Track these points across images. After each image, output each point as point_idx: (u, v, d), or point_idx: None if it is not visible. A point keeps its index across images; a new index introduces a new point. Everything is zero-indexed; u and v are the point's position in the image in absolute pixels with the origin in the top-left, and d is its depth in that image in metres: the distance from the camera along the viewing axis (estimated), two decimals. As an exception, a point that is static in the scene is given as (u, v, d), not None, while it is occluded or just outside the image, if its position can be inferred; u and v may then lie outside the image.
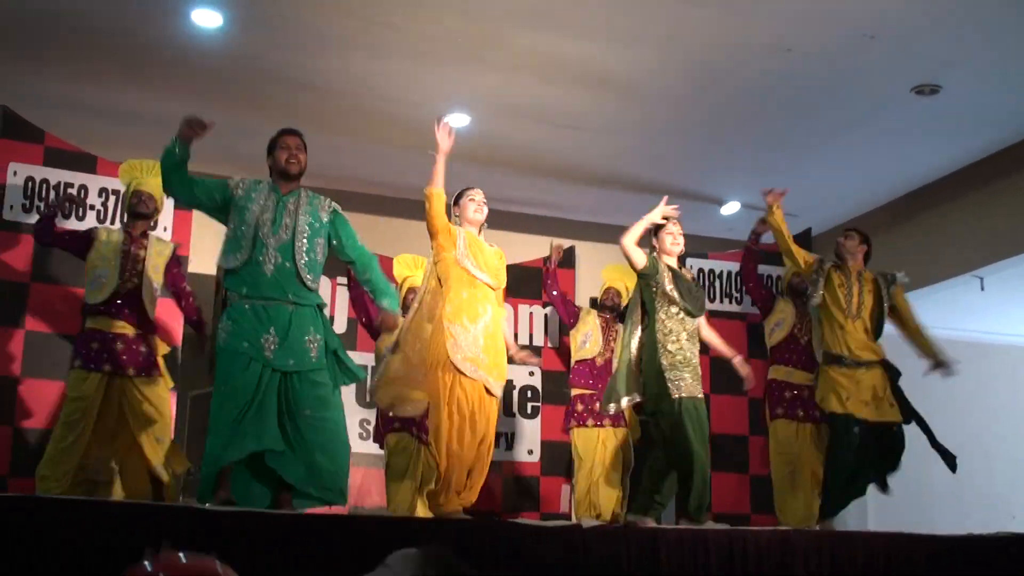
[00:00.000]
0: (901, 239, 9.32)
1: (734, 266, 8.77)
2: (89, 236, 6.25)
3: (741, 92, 7.42)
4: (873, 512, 9.97)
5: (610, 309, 7.66)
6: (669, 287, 6.02)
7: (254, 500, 4.88)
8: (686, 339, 6.00)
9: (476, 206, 5.83)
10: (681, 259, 6.31)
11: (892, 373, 6.47)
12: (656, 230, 6.24)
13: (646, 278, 6.08)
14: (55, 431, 5.90)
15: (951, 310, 10.27)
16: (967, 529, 6.56)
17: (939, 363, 6.56)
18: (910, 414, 6.41)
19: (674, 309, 6.03)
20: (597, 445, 7.32)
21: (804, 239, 8.99)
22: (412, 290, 7.26)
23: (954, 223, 8.75)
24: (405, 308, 7.25)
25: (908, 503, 10.13)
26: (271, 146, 5.31)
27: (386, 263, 8.28)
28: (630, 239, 5.98)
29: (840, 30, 6.52)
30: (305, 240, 5.09)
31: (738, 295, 8.74)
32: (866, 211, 9.72)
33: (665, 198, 6.10)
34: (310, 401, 4.91)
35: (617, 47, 6.82)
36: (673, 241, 6.23)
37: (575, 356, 7.62)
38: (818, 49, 6.76)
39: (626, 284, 7.52)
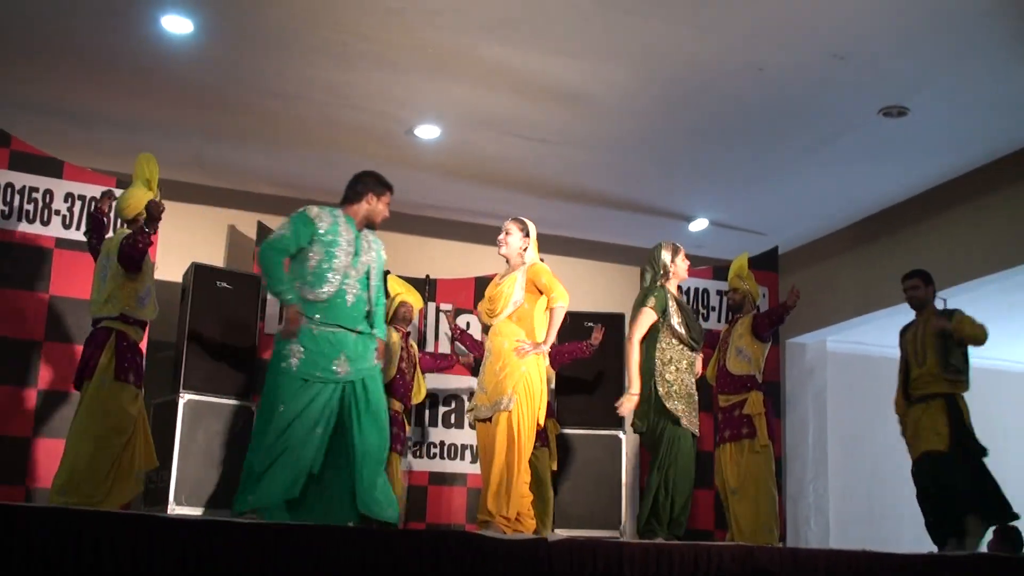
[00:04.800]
0: (866, 259, 9.40)
1: (701, 283, 8.84)
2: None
3: (711, 110, 7.46)
4: (836, 529, 10.05)
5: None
6: (677, 321, 6.22)
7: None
8: (685, 368, 6.20)
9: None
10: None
11: None
12: (673, 255, 6.38)
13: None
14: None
15: (914, 330, 10.37)
16: (930, 548, 6.62)
17: None
18: None
19: (675, 340, 6.22)
20: None
21: (770, 257, 9.06)
22: (404, 303, 7.35)
23: (919, 244, 8.83)
24: (396, 318, 7.32)
25: (872, 521, 10.24)
26: (375, 190, 5.41)
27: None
28: (636, 335, 6.23)
29: (810, 51, 6.57)
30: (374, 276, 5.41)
31: (704, 311, 8.80)
32: (833, 231, 9.80)
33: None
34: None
35: (589, 63, 6.84)
36: (688, 267, 6.44)
37: None
38: (788, 69, 6.81)
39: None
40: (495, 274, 8.46)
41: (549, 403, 7.42)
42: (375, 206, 5.37)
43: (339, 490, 5.12)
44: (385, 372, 7.04)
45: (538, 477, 7.33)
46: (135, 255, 5.56)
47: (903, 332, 7.07)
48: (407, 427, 7.39)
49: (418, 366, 7.47)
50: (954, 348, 6.71)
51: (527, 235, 5.97)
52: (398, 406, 7.15)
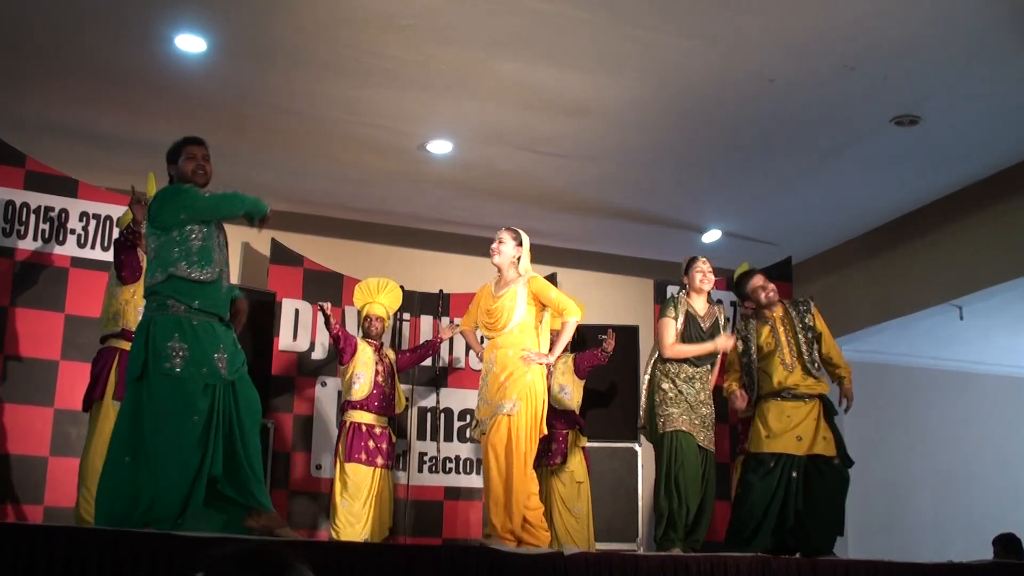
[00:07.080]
0: (880, 268, 9.38)
1: (715, 294, 8.79)
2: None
3: (723, 121, 7.46)
4: (853, 539, 9.99)
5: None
6: (675, 331, 6.36)
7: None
8: (683, 379, 6.23)
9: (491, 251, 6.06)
10: (710, 296, 6.53)
11: None
12: (686, 268, 6.53)
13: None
14: None
15: (930, 339, 10.32)
16: (949, 557, 6.59)
17: None
18: None
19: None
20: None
21: (784, 267, 9.04)
22: (368, 317, 7.35)
23: (933, 253, 8.80)
24: (367, 334, 7.36)
25: (890, 531, 10.18)
26: (175, 154, 4.98)
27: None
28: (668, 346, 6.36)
29: (821, 61, 6.57)
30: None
31: (719, 323, 8.78)
32: (846, 240, 9.78)
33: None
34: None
35: (600, 76, 6.85)
36: (703, 278, 6.50)
37: None
38: (800, 80, 6.80)
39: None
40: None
41: (575, 413, 7.44)
42: (182, 168, 4.92)
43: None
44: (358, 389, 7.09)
45: (560, 497, 7.30)
46: (119, 252, 5.73)
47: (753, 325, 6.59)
48: (393, 439, 7.34)
49: (396, 375, 7.41)
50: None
51: (520, 244, 5.98)
52: (381, 420, 7.16)
